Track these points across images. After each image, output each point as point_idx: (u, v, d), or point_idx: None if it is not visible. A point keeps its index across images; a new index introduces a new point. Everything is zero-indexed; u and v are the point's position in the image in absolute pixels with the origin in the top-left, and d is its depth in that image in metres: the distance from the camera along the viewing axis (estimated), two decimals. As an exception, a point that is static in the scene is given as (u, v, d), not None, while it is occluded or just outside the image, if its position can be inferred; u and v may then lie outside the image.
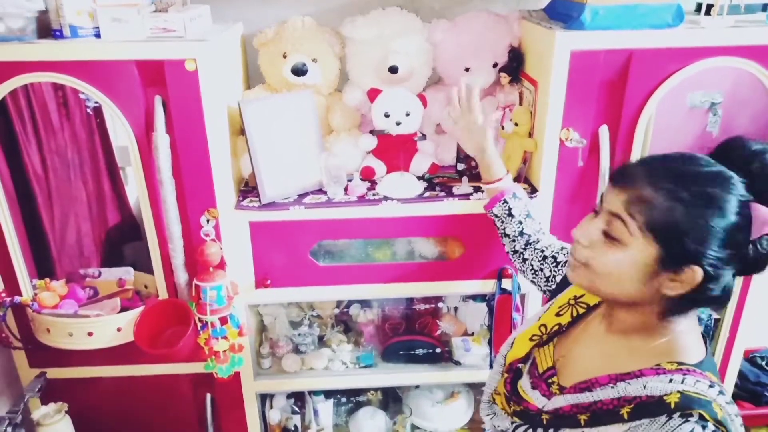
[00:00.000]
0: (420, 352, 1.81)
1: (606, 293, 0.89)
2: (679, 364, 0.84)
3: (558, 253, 1.24)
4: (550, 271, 1.23)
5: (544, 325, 1.03)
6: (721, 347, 1.78)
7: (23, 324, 1.58)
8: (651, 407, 0.80)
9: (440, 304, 1.84)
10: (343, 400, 1.98)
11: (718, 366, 1.80)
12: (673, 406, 0.78)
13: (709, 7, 1.45)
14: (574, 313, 1.01)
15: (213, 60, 1.37)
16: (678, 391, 0.79)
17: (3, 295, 1.52)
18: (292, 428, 1.88)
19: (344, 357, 1.82)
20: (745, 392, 2.06)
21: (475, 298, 1.81)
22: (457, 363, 1.81)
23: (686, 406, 0.78)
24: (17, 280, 1.53)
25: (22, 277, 1.53)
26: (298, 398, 1.93)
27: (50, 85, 1.52)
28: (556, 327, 1.02)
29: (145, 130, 1.40)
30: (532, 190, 1.55)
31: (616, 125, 1.47)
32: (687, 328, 0.87)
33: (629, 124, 1.46)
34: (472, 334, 1.86)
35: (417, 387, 1.97)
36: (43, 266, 1.62)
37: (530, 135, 1.56)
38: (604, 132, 1.47)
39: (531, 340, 1.03)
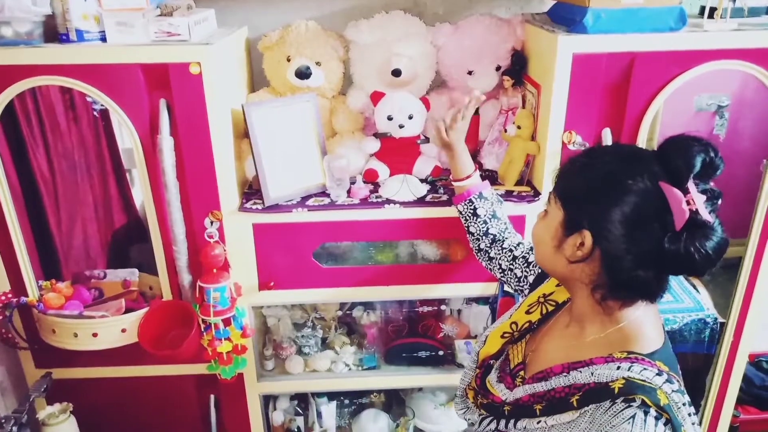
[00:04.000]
0: (423, 354, 1.81)
1: (542, 265, 0.96)
2: (629, 353, 0.85)
3: (528, 253, 1.25)
4: (522, 271, 1.24)
5: (515, 323, 1.05)
6: (725, 351, 1.77)
7: (29, 325, 1.60)
8: (597, 393, 0.83)
9: (443, 307, 1.84)
10: (346, 402, 1.99)
11: (722, 369, 1.79)
12: (617, 391, 0.80)
13: (712, 10, 1.45)
14: (544, 311, 1.05)
15: (217, 63, 1.38)
16: (623, 378, 0.81)
17: (10, 295, 1.53)
18: (295, 430, 1.89)
19: (347, 359, 1.82)
20: (751, 396, 2.05)
21: (477, 300, 1.81)
22: (460, 365, 1.81)
23: (629, 391, 0.80)
24: (24, 281, 1.55)
25: (28, 278, 1.55)
26: (302, 400, 1.93)
27: (57, 89, 1.53)
28: (527, 324, 1.05)
29: (149, 133, 1.41)
30: (535, 193, 1.55)
31: (618, 128, 1.47)
32: (641, 317, 0.88)
33: (632, 127, 1.46)
34: (475, 336, 1.86)
35: (420, 389, 1.97)
36: (49, 267, 1.63)
37: (533, 138, 1.57)
38: (606, 135, 1.47)
39: (503, 337, 1.06)
